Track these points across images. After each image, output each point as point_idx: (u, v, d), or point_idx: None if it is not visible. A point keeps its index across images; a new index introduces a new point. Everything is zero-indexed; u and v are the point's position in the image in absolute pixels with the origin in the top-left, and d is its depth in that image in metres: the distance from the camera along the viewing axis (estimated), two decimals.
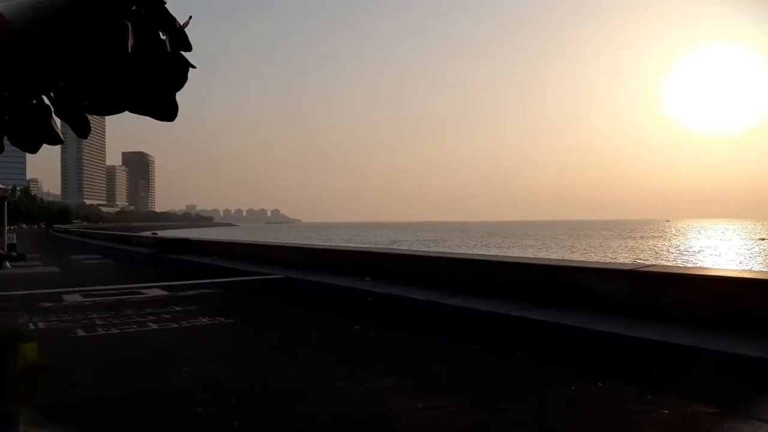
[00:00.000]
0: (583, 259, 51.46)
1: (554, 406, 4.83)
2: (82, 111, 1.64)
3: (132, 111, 1.67)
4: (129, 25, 1.48)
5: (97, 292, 13.14)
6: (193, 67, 1.71)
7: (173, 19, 1.63)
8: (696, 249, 70.55)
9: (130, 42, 1.47)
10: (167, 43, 1.60)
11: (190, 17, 1.71)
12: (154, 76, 1.61)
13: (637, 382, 5.41)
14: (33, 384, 2.98)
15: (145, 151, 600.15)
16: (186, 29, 1.72)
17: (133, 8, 1.50)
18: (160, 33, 1.59)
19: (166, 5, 1.61)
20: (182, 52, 1.68)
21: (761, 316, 7.27)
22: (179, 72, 1.65)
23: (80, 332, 8.38)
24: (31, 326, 8.86)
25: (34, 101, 1.66)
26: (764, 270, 45.12)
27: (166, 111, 1.68)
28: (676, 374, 5.79)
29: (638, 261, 45.28)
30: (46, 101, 1.65)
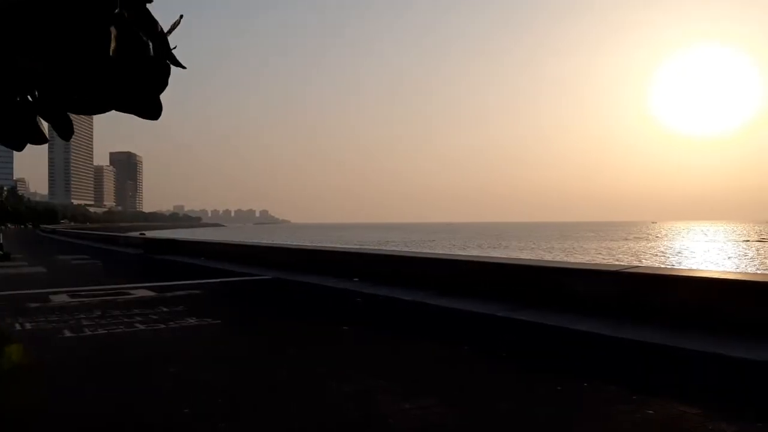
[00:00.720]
0: (558, 259, 51.94)
1: (541, 406, 4.86)
2: (65, 112, 1.64)
3: (116, 109, 1.67)
4: (112, 27, 1.49)
5: (85, 293, 13.05)
6: (183, 67, 1.72)
7: (155, 23, 1.63)
8: (676, 251, 71.35)
9: (113, 45, 1.48)
10: (150, 46, 1.61)
11: (181, 16, 1.71)
12: (137, 78, 1.62)
13: (622, 382, 5.45)
14: (18, 386, 2.96)
15: (132, 151, 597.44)
16: (179, 28, 1.72)
17: (116, 11, 1.51)
18: (144, 36, 1.59)
19: (148, 8, 1.61)
20: (171, 49, 1.69)
21: (746, 316, 7.33)
22: (161, 75, 1.66)
23: (67, 333, 8.33)
24: (17, 327, 8.79)
25: (18, 99, 1.66)
26: (748, 271, 45.52)
27: (150, 110, 1.68)
28: (661, 375, 5.83)
29: (614, 263, 45.66)
30: (30, 100, 1.65)
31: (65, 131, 1.69)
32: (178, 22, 1.69)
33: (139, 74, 1.59)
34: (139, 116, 1.68)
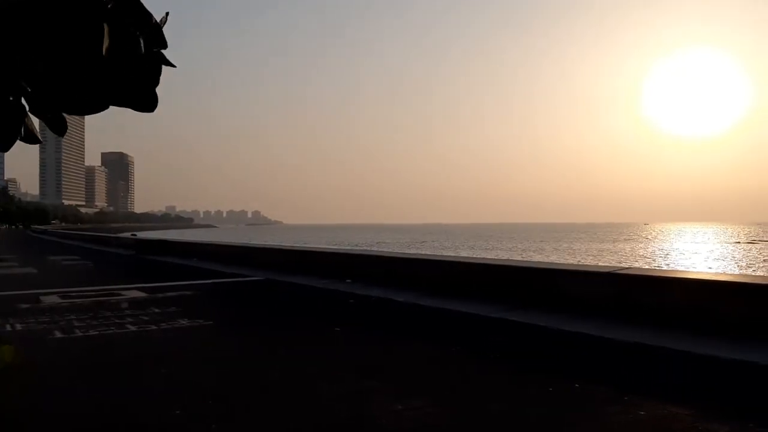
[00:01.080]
0: (549, 260, 52.29)
1: (532, 406, 4.86)
2: (59, 109, 1.64)
3: (113, 104, 1.67)
4: (105, 25, 1.49)
5: (75, 294, 12.99)
6: (173, 66, 1.71)
7: (149, 15, 1.63)
8: (666, 252, 71.80)
9: (105, 43, 1.48)
10: (141, 43, 1.60)
11: (167, 13, 1.70)
12: (130, 73, 1.61)
13: (613, 383, 5.47)
14: (10, 386, 2.95)
15: (124, 152, 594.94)
16: (177, 27, 1.73)
17: (109, 6, 1.50)
18: (137, 32, 1.59)
19: (141, 1, 1.61)
20: (162, 50, 1.69)
21: (737, 317, 7.37)
22: (154, 70, 1.66)
23: (58, 334, 8.29)
24: (8, 328, 8.75)
25: (11, 98, 1.65)
26: (739, 273, 45.76)
27: (146, 103, 1.68)
28: (653, 376, 5.85)
29: (604, 264, 45.95)
30: (22, 100, 1.64)
31: (59, 127, 1.68)
32: (165, 20, 1.69)
33: (133, 68, 1.59)
34: (134, 109, 1.67)
